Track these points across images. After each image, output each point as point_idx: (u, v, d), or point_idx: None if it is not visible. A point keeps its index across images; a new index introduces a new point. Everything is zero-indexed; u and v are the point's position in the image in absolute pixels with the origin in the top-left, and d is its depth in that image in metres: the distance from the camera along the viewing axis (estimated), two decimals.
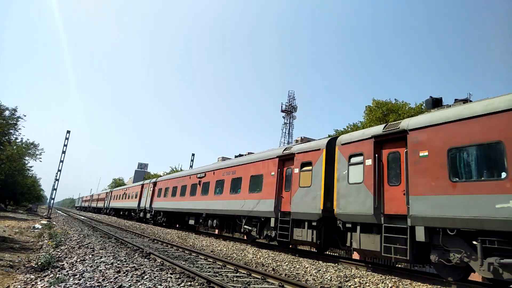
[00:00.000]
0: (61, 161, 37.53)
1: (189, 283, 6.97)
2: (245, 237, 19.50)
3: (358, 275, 8.99)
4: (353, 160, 10.90)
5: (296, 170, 13.14)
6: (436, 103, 10.03)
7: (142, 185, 35.00)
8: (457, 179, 7.78)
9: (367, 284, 8.09)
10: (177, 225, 27.90)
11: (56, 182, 38.06)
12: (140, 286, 6.46)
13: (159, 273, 7.67)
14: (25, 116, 30.52)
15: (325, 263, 11.19)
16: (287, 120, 65.42)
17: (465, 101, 9.20)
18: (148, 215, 30.50)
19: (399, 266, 14.84)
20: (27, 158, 44.58)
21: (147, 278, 7.13)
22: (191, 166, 40.17)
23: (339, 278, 8.56)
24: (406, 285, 8.17)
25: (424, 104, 11.41)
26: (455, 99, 9.53)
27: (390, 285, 8.08)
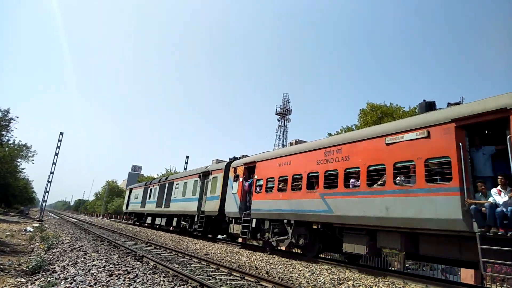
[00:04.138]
0: (54, 164, 37.11)
1: (182, 286, 6.92)
2: None
3: (352, 278, 9.00)
4: None
5: None
6: (429, 106, 10.09)
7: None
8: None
9: (360, 287, 8.10)
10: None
11: (49, 184, 37.67)
12: None
13: (151, 277, 7.61)
14: (17, 117, 30.38)
15: (318, 265, 11.18)
16: (281, 122, 65.64)
17: (458, 104, 9.26)
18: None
19: (393, 268, 14.88)
20: (19, 160, 44.31)
21: (139, 281, 7.07)
22: (185, 169, 39.94)
23: (332, 281, 8.56)
24: (399, 287, 8.20)
25: (418, 108, 11.43)
26: (448, 103, 9.60)
27: (383, 287, 8.10)
